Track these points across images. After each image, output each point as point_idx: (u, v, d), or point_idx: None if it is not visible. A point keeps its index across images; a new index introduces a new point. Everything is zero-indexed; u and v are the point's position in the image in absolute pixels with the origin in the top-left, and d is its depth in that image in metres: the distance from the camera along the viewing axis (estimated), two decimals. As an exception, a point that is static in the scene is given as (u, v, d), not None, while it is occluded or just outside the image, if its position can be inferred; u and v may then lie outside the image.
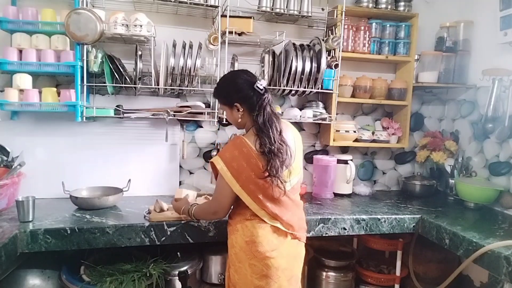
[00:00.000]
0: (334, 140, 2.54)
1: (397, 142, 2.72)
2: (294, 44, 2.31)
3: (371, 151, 2.87)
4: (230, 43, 2.31)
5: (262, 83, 1.52)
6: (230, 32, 2.19)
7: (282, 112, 2.44)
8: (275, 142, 1.46)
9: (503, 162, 2.41)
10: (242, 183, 1.48)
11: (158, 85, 2.17)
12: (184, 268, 1.98)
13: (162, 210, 1.93)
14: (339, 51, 2.43)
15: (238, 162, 1.47)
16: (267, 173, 1.45)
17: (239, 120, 1.58)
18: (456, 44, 2.66)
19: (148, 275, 1.86)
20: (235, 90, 1.54)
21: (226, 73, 1.71)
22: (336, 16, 2.42)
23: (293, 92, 2.40)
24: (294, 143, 1.61)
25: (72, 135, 2.27)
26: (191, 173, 2.53)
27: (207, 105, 2.40)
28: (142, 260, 1.96)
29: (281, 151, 1.47)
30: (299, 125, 2.70)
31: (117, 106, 2.24)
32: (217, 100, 1.66)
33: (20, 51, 2.00)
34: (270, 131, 1.48)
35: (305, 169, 2.76)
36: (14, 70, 1.98)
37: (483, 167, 2.57)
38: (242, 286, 1.54)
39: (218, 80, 1.68)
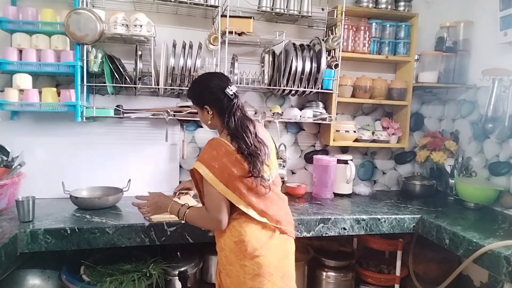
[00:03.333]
0: (334, 140, 2.54)
1: (397, 142, 2.72)
2: (294, 44, 2.31)
3: (371, 151, 2.87)
4: (230, 43, 2.31)
5: (232, 89, 1.53)
6: (230, 32, 2.19)
7: (282, 112, 2.44)
8: (251, 145, 1.47)
9: (503, 162, 2.41)
10: (226, 181, 1.46)
11: (158, 85, 2.17)
12: (184, 268, 1.98)
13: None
14: (339, 51, 2.43)
15: (219, 161, 1.46)
16: (250, 174, 1.46)
17: (209, 122, 1.60)
18: (456, 44, 2.66)
19: (148, 275, 1.86)
20: (206, 92, 1.55)
21: (201, 74, 1.70)
22: (336, 16, 2.42)
23: (293, 92, 2.40)
24: (269, 139, 1.64)
25: (72, 135, 2.27)
26: (191, 173, 2.53)
27: (207, 105, 2.39)
28: (142, 260, 1.96)
29: (259, 151, 1.49)
30: (299, 125, 2.70)
31: (117, 106, 2.24)
32: (192, 100, 1.65)
33: (20, 51, 2.00)
34: (245, 135, 1.49)
35: (305, 169, 2.76)
36: (14, 70, 1.98)
37: (483, 167, 2.57)
38: None
39: (192, 83, 1.67)
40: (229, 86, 1.52)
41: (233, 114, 1.52)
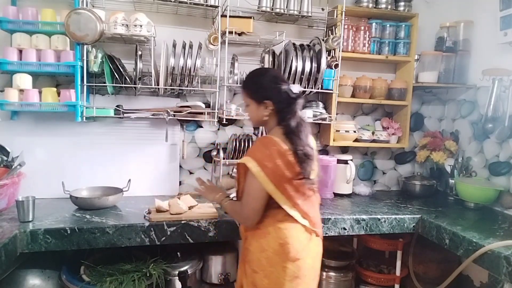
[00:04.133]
0: (334, 140, 2.54)
1: (397, 142, 2.72)
2: (294, 44, 2.31)
3: (371, 151, 2.87)
4: (230, 43, 2.31)
5: (296, 87, 1.53)
6: (230, 32, 2.19)
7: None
8: (306, 146, 1.49)
9: (503, 162, 2.41)
10: (277, 181, 1.44)
11: (158, 85, 2.17)
12: (184, 268, 1.99)
13: (161, 210, 1.93)
14: (339, 51, 2.43)
15: (273, 161, 1.44)
16: (301, 176, 1.47)
17: (264, 118, 1.55)
18: (456, 44, 2.66)
19: (148, 275, 1.86)
20: (271, 88, 1.51)
21: (259, 67, 1.67)
22: (336, 16, 2.42)
23: (293, 92, 2.40)
24: (314, 142, 1.66)
25: (72, 135, 2.27)
26: (191, 173, 2.53)
27: (207, 105, 2.40)
28: (142, 260, 1.96)
29: (311, 154, 1.50)
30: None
31: (117, 106, 2.24)
32: (244, 91, 1.58)
33: (20, 51, 2.00)
34: (301, 135, 1.49)
35: (305, 169, 2.76)
36: (14, 70, 1.98)
37: (483, 167, 2.57)
38: None
39: (250, 72, 1.61)
40: (292, 85, 1.53)
41: (294, 114, 1.51)
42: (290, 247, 1.47)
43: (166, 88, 2.21)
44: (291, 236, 1.49)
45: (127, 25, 2.08)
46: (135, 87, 2.16)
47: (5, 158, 2.09)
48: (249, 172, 1.46)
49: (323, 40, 2.41)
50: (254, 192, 1.47)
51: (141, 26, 2.08)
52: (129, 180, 2.21)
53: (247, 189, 1.49)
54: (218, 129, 2.54)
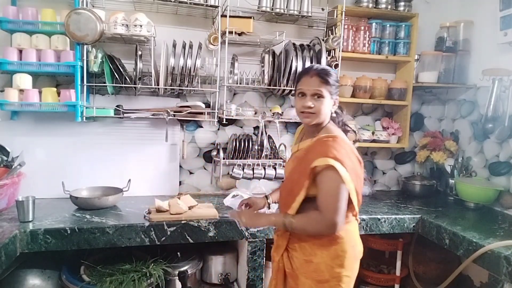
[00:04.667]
0: (334, 140, 2.54)
1: (397, 142, 2.72)
2: (294, 44, 2.31)
3: (371, 151, 2.87)
4: (230, 43, 2.31)
5: None
6: (230, 32, 2.19)
7: (282, 112, 2.44)
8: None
9: (503, 162, 2.41)
10: (354, 179, 1.40)
11: (158, 85, 2.17)
12: (184, 268, 1.99)
13: (161, 210, 1.93)
14: (339, 51, 2.42)
15: (350, 159, 1.42)
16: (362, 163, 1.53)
17: (333, 115, 1.58)
18: (456, 44, 2.66)
19: (148, 275, 1.86)
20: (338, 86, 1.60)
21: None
22: (336, 16, 2.42)
23: (293, 92, 2.40)
24: None
25: (72, 135, 2.27)
26: (191, 173, 2.53)
27: (207, 105, 2.40)
28: (142, 260, 1.96)
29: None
30: (299, 125, 2.69)
31: (117, 106, 2.24)
32: (327, 83, 1.48)
33: (20, 51, 2.00)
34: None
35: (305, 169, 2.76)
36: (14, 70, 1.98)
37: (483, 167, 2.57)
38: None
39: (328, 68, 1.59)
40: None
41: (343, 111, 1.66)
42: (355, 248, 1.50)
43: (166, 88, 2.20)
44: (357, 237, 1.53)
45: (127, 25, 2.08)
46: (135, 87, 2.16)
47: (5, 158, 2.09)
48: (326, 174, 1.37)
49: (323, 40, 2.41)
50: (339, 193, 1.36)
51: (141, 26, 2.08)
52: (129, 180, 2.21)
53: (331, 191, 1.37)
54: (218, 129, 2.54)
